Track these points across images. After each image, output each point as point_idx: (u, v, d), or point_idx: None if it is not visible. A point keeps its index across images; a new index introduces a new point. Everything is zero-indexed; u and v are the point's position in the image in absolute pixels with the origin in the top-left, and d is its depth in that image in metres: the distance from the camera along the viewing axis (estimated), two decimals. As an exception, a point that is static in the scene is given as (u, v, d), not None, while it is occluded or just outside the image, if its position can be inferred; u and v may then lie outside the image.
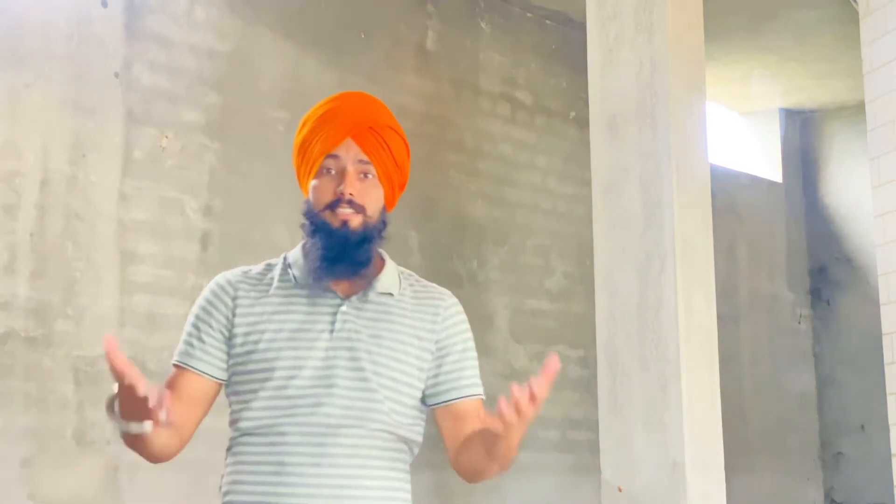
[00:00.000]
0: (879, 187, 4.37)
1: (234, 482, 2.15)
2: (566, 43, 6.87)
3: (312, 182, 2.21)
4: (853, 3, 5.00)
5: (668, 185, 3.76)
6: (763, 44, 7.25)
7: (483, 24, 6.49)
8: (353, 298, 2.19)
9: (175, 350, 2.24)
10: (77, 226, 4.63)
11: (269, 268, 2.26)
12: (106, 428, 4.56)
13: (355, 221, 2.17)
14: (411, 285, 2.29)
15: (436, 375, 2.23)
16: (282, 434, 2.10)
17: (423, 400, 2.25)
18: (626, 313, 3.81)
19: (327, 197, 2.18)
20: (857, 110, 7.41)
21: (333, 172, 2.19)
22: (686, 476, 3.57)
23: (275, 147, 5.26)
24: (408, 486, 2.22)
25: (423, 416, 2.26)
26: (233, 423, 2.19)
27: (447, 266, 6.07)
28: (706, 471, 3.67)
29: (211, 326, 2.19)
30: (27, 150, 4.53)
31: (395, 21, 6.03)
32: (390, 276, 2.25)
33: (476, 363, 2.29)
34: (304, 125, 2.27)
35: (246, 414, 2.14)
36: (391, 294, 2.23)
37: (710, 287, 3.86)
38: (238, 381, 2.18)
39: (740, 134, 8.80)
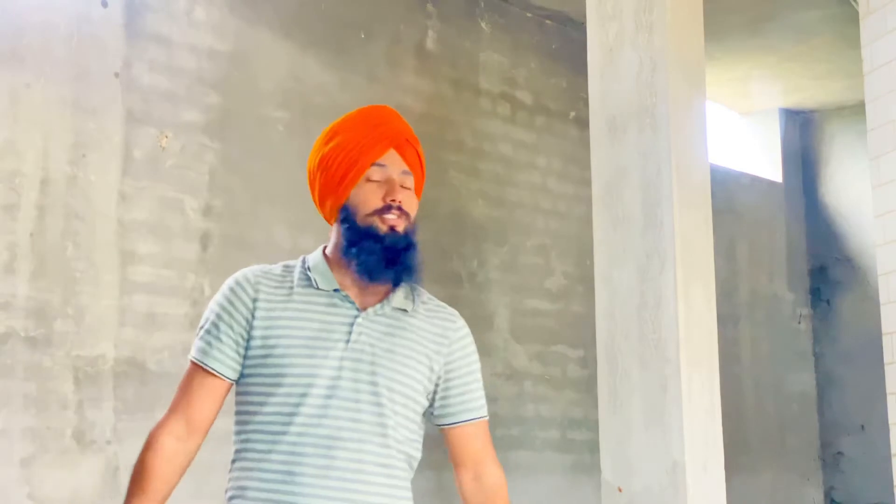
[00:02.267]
0: (879, 187, 4.37)
1: (240, 487, 2.15)
2: (566, 43, 6.87)
3: (354, 190, 2.23)
4: (853, 3, 5.01)
5: (668, 185, 3.76)
6: (763, 44, 7.25)
7: (483, 24, 6.49)
8: (370, 311, 2.21)
9: (192, 345, 2.23)
10: (77, 226, 4.63)
11: (289, 269, 2.27)
12: (106, 428, 4.57)
13: (401, 226, 2.24)
14: (423, 303, 2.32)
15: (445, 397, 2.28)
16: (292, 443, 2.11)
17: (428, 418, 2.29)
18: (626, 313, 3.81)
19: (375, 203, 2.22)
20: (857, 110, 7.42)
21: (378, 180, 2.24)
22: (686, 476, 3.57)
23: (275, 147, 5.26)
24: (409, 493, 2.23)
25: (422, 432, 2.28)
26: (242, 424, 2.19)
27: (447, 266, 6.07)
28: (706, 471, 3.67)
29: (231, 327, 2.18)
30: (27, 150, 4.53)
31: (395, 21, 6.03)
32: (405, 291, 2.28)
33: (481, 384, 2.34)
34: (334, 134, 2.28)
35: (257, 418, 2.15)
36: (405, 310, 2.26)
37: (710, 287, 3.86)
38: (250, 383, 2.17)
39: (740, 134, 8.81)
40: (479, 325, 6.19)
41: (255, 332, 2.17)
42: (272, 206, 5.22)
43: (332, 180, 2.25)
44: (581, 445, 6.50)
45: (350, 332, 2.17)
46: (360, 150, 2.23)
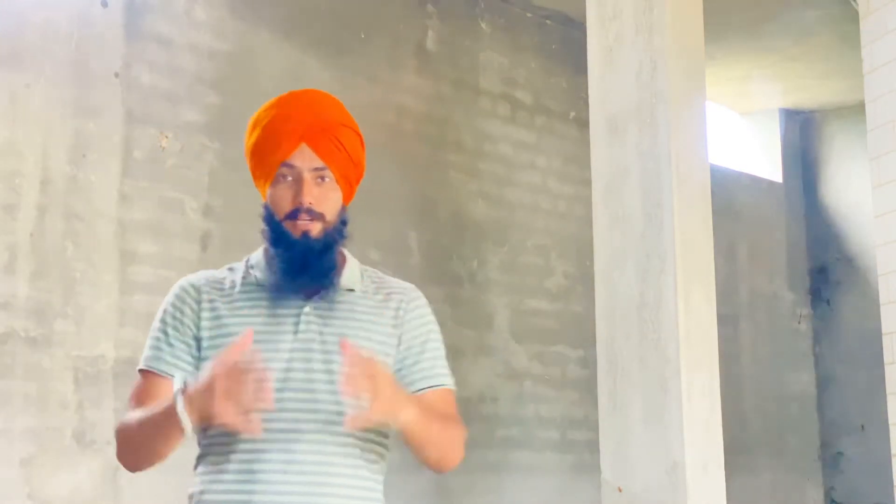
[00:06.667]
0: (879, 187, 4.37)
1: (203, 492, 2.11)
2: (566, 43, 6.86)
3: (269, 190, 2.18)
4: (853, 3, 5.00)
5: (668, 185, 3.76)
6: (763, 44, 7.25)
7: (483, 24, 6.49)
8: (316, 298, 2.15)
9: (144, 356, 2.19)
10: (77, 226, 4.63)
11: (232, 271, 2.25)
12: (106, 428, 4.56)
13: (315, 230, 2.14)
14: (374, 281, 2.25)
15: (400, 369, 2.19)
16: (249, 441, 2.05)
17: None
18: (626, 313, 3.81)
19: (286, 206, 2.15)
20: (857, 110, 7.41)
21: (290, 180, 2.16)
22: (686, 476, 3.57)
23: (275, 147, 5.26)
24: (379, 487, 2.17)
25: None
26: (203, 429, 2.10)
27: (447, 266, 6.07)
28: (706, 471, 3.67)
29: (179, 331, 2.16)
30: (27, 150, 4.53)
31: (395, 21, 6.03)
32: (352, 272, 2.21)
33: (440, 353, 2.25)
34: (253, 128, 2.23)
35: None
36: (353, 290, 2.19)
37: (710, 287, 3.86)
38: None
39: (740, 134, 8.80)
40: (479, 325, 6.18)
41: (203, 334, 2.15)
42: (272, 206, 5.22)
43: (255, 177, 2.24)
44: (581, 445, 6.50)
45: (297, 324, 2.12)
46: (270, 149, 2.18)
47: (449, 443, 2.16)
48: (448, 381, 2.24)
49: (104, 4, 4.84)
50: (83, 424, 4.52)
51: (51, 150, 4.60)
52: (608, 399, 3.83)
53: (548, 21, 6.84)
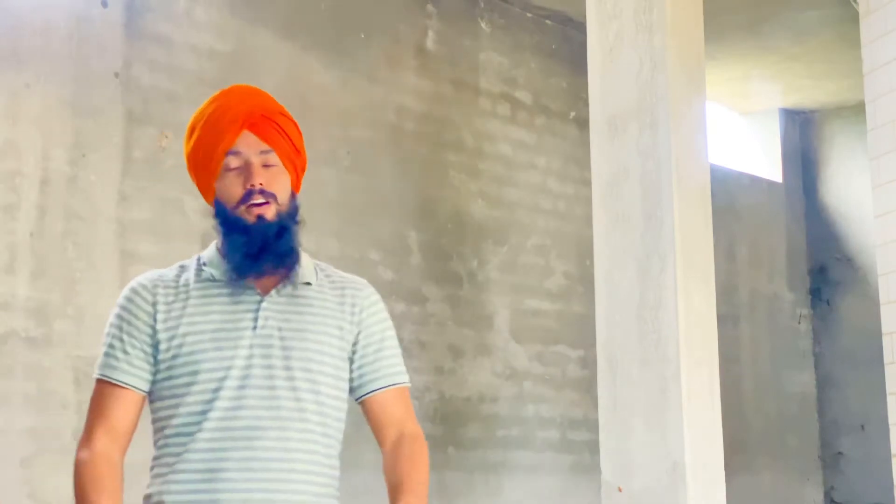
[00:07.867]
0: (879, 187, 4.37)
1: (162, 492, 2.09)
2: (566, 43, 6.86)
3: (217, 184, 2.16)
4: (853, 3, 5.01)
5: (668, 185, 3.76)
6: (763, 44, 7.25)
7: (483, 24, 6.49)
8: (273, 293, 2.15)
9: (100, 362, 2.17)
10: (77, 226, 4.63)
11: (183, 269, 2.23)
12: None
13: (270, 213, 2.14)
14: (328, 276, 2.25)
15: (361, 366, 2.21)
16: (210, 440, 2.05)
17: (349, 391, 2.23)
18: (626, 313, 3.81)
19: (237, 192, 2.14)
20: (857, 110, 7.42)
21: (237, 168, 2.16)
22: (686, 476, 3.57)
23: (275, 147, 5.26)
24: (336, 482, 2.18)
25: (346, 407, 2.22)
26: (159, 429, 2.13)
27: (447, 266, 6.07)
28: (706, 471, 3.67)
29: (134, 337, 2.14)
30: (27, 150, 4.53)
31: (395, 21, 6.03)
32: (307, 266, 2.21)
33: (397, 350, 2.27)
34: (192, 132, 2.22)
35: (173, 421, 2.09)
36: (310, 284, 2.19)
37: (710, 287, 3.86)
38: (164, 387, 2.12)
39: (740, 134, 8.81)
40: (479, 325, 6.18)
41: (161, 336, 2.12)
42: (272, 206, 5.21)
43: (199, 178, 2.21)
44: (581, 445, 6.50)
45: (256, 319, 2.12)
46: (213, 141, 2.16)
47: (427, 483, 2.19)
48: (405, 379, 2.27)
49: (104, 4, 4.84)
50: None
51: (51, 150, 4.59)
52: (608, 399, 3.83)
53: (548, 21, 6.84)
